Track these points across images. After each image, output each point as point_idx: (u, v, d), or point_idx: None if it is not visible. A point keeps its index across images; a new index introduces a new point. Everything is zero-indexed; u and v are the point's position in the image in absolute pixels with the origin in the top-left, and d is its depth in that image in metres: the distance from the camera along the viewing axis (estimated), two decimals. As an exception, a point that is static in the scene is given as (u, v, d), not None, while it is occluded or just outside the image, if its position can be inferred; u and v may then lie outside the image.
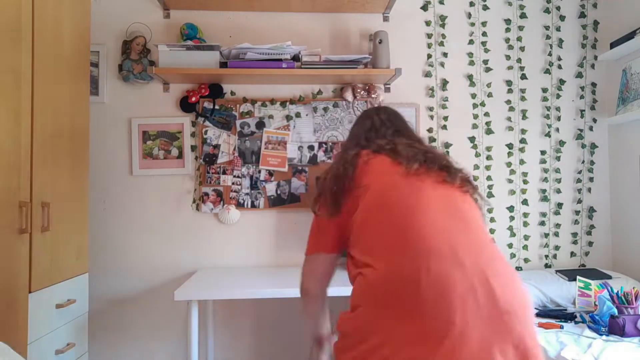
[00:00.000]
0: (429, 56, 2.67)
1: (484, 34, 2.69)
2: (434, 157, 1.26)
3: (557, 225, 2.68)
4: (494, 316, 0.98)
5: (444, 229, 1.09)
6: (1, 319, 1.48)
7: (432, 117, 2.65)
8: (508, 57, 2.70)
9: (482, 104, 2.68)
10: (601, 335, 1.89)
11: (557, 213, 2.69)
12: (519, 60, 2.70)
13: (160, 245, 2.52)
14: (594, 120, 2.72)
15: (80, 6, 2.03)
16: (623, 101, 2.52)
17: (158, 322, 2.50)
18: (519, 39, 2.70)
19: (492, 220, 2.66)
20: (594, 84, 2.71)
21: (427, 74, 2.66)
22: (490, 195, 2.66)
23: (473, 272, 1.02)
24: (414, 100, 2.64)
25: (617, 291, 2.01)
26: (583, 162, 2.71)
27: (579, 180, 2.70)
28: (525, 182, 2.68)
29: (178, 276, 2.52)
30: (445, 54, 2.67)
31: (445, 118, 2.65)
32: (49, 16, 1.77)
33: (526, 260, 2.66)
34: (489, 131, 2.67)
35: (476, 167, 2.66)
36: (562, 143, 2.69)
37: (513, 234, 2.66)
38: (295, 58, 2.42)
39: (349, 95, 2.56)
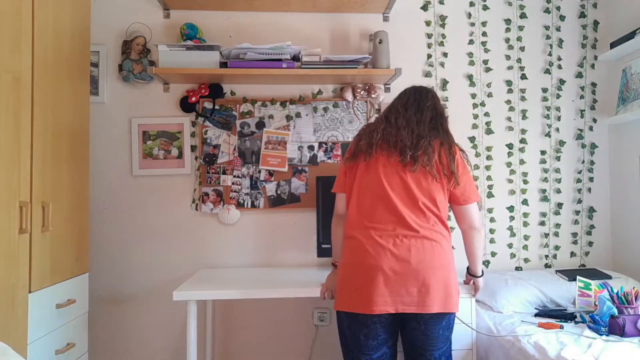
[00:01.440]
0: (429, 56, 2.67)
1: (484, 34, 2.69)
2: (407, 145, 1.70)
3: (557, 225, 2.68)
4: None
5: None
6: (1, 319, 1.48)
7: (432, 117, 2.65)
8: (508, 57, 2.70)
9: (482, 104, 2.68)
10: (601, 335, 1.88)
11: (557, 213, 2.69)
12: (519, 60, 2.70)
13: (160, 245, 2.52)
14: (594, 120, 2.72)
15: (80, 6, 2.03)
16: (623, 101, 2.52)
17: (158, 322, 2.50)
18: (519, 39, 2.70)
19: (492, 220, 2.66)
20: (594, 84, 2.71)
21: (427, 74, 2.66)
22: (490, 195, 2.66)
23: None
24: (414, 100, 2.64)
25: (617, 291, 2.01)
26: (583, 162, 2.71)
27: (579, 180, 2.70)
28: (525, 182, 2.68)
29: (178, 276, 2.51)
30: (445, 54, 2.67)
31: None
32: (49, 16, 1.77)
33: (526, 260, 2.66)
34: (489, 131, 2.67)
35: (476, 167, 2.66)
36: (562, 143, 2.69)
37: (513, 234, 2.66)
38: (295, 58, 2.42)
39: (349, 95, 2.56)
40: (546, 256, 2.68)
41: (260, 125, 2.57)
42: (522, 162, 2.68)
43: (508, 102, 2.69)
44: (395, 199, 1.68)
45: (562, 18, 2.71)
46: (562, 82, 2.71)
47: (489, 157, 2.67)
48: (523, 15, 2.70)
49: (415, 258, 1.62)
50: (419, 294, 1.61)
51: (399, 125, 1.73)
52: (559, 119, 2.71)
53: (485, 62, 2.68)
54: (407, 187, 1.69)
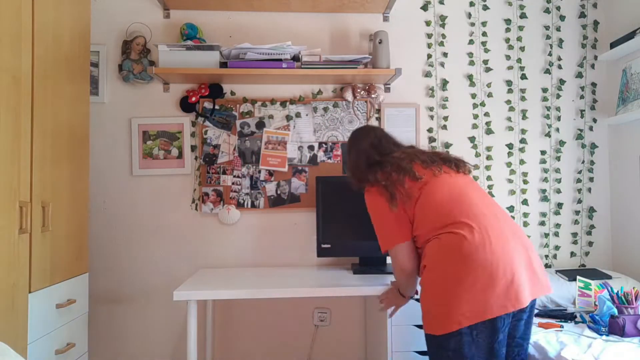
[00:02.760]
0: (429, 56, 2.67)
1: (484, 34, 2.69)
2: (444, 156, 1.78)
3: (557, 225, 2.68)
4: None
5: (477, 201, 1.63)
6: (1, 319, 1.48)
7: (432, 117, 2.65)
8: (508, 57, 2.70)
9: (482, 104, 2.68)
10: (601, 335, 1.88)
11: (557, 213, 2.69)
12: (519, 60, 2.70)
13: (160, 245, 2.52)
14: (594, 120, 2.72)
15: (80, 6, 2.03)
16: (623, 101, 2.52)
17: (158, 322, 2.50)
18: (519, 39, 2.70)
19: (492, 220, 2.66)
20: (594, 84, 2.71)
21: (427, 74, 2.66)
22: (490, 195, 2.66)
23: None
24: (414, 100, 2.64)
25: (617, 291, 2.01)
26: (583, 162, 2.71)
27: (579, 180, 2.70)
28: (525, 182, 2.68)
29: (178, 276, 2.51)
30: (445, 54, 2.67)
31: (445, 118, 2.65)
32: (49, 16, 1.77)
33: (526, 260, 2.66)
34: (489, 131, 2.67)
35: (476, 167, 2.66)
36: (562, 143, 2.69)
37: (513, 234, 2.66)
38: (295, 58, 2.42)
39: (349, 95, 2.56)
40: (546, 256, 2.67)
41: (260, 125, 2.57)
42: (522, 162, 2.68)
43: (508, 102, 2.69)
44: (473, 194, 1.64)
45: (562, 18, 2.71)
46: (562, 82, 2.71)
47: (489, 157, 2.67)
48: (523, 15, 2.70)
49: (524, 238, 1.57)
50: (542, 273, 1.54)
51: (417, 152, 1.79)
52: (559, 119, 2.71)
53: (485, 62, 2.68)
54: (472, 185, 1.71)
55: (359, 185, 1.82)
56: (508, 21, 2.70)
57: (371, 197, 1.73)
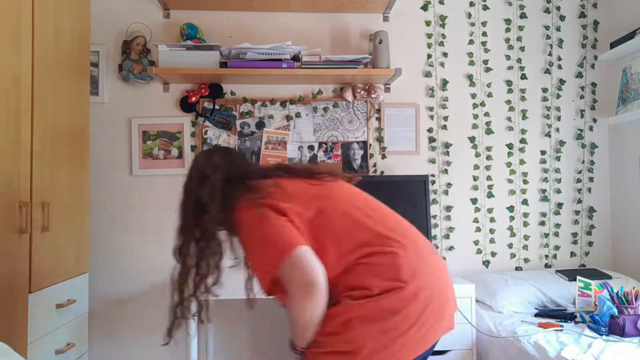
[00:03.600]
0: (429, 56, 2.67)
1: (484, 34, 2.69)
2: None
3: (557, 225, 2.68)
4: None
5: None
6: (1, 319, 1.48)
7: (432, 117, 2.65)
8: (508, 57, 2.70)
9: (482, 104, 2.68)
10: (601, 335, 1.88)
11: (557, 213, 2.69)
12: (519, 60, 2.70)
13: (160, 245, 2.52)
14: (594, 120, 2.72)
15: (80, 6, 2.03)
16: (623, 101, 2.52)
17: (158, 322, 2.50)
18: (519, 39, 2.70)
19: (492, 220, 2.66)
20: (594, 84, 2.71)
21: (427, 74, 2.66)
22: (490, 195, 2.66)
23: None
24: (414, 100, 2.64)
25: (617, 291, 2.01)
26: (583, 162, 2.71)
27: (579, 180, 2.70)
28: (525, 182, 2.68)
29: (178, 276, 2.51)
30: (445, 54, 2.67)
31: (445, 118, 2.65)
32: (49, 16, 1.77)
33: (526, 260, 2.66)
34: (489, 131, 2.67)
35: (476, 167, 2.66)
36: (562, 143, 2.69)
37: (513, 234, 2.66)
38: (295, 58, 2.42)
39: (349, 95, 2.56)
40: (546, 256, 2.67)
41: (260, 125, 2.57)
42: (522, 162, 2.68)
43: (508, 102, 2.69)
44: (379, 204, 1.36)
45: (562, 18, 2.71)
46: (562, 82, 2.71)
47: (489, 157, 2.67)
48: (523, 15, 2.70)
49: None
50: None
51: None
52: (559, 119, 2.71)
53: (485, 62, 2.68)
54: (366, 194, 1.40)
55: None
56: (508, 21, 2.70)
57: (243, 212, 1.29)
